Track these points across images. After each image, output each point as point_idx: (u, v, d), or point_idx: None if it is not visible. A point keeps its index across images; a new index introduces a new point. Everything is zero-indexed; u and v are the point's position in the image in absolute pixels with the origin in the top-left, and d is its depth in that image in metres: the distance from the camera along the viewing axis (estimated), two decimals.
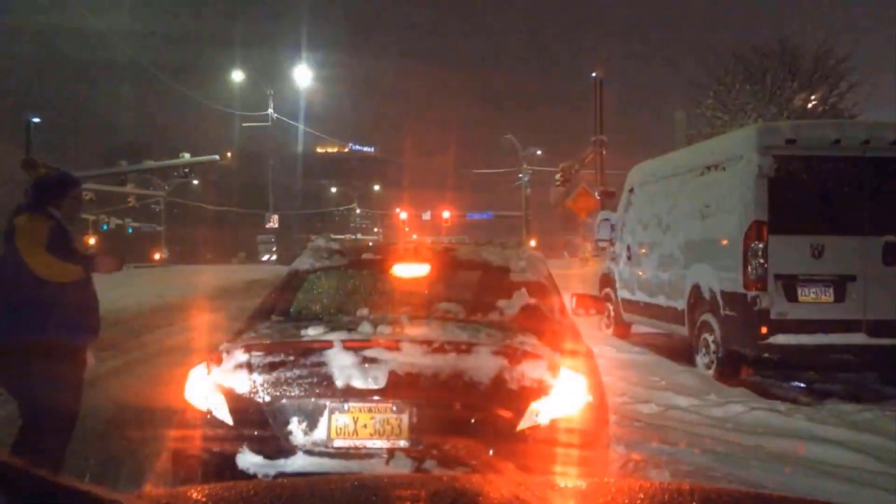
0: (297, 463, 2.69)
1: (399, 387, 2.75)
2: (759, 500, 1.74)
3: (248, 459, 2.71)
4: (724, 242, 7.32)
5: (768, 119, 19.59)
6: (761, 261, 6.76)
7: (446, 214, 44.36)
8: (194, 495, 1.46)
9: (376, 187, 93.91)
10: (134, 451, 4.34)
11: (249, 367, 2.86)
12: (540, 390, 2.78)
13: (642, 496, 1.43)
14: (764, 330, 6.74)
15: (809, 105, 21.50)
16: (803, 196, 6.93)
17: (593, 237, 12.57)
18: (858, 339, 6.76)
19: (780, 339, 6.73)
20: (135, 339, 10.05)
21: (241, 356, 2.90)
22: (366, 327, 3.07)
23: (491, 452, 2.67)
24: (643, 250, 9.77)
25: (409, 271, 3.96)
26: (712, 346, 7.52)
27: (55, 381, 3.53)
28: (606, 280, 11.22)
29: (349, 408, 2.76)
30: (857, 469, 4.39)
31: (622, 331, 10.67)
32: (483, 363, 2.81)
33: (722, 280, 7.32)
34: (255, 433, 2.77)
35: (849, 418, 5.70)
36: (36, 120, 32.57)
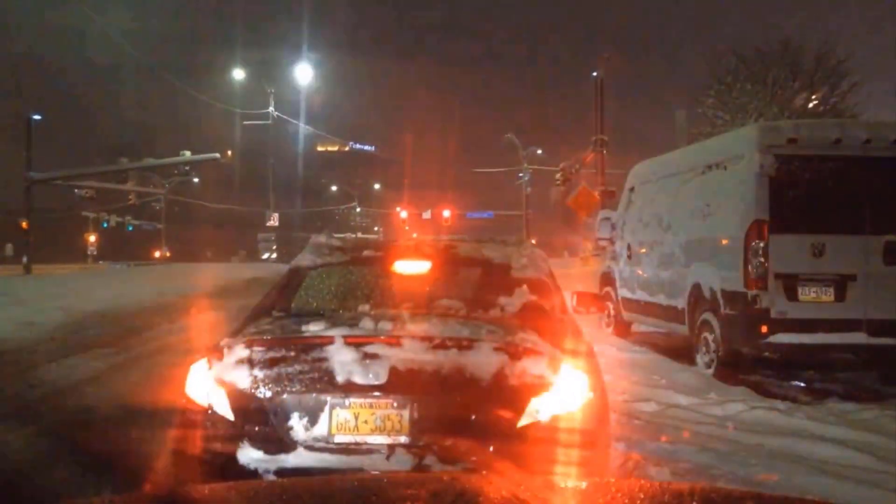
0: (298, 458, 2.69)
1: (400, 383, 2.75)
2: (759, 499, 1.73)
3: (248, 455, 2.71)
4: (725, 241, 7.32)
5: (769, 119, 19.59)
6: (762, 260, 6.76)
7: (447, 213, 44.34)
8: (194, 495, 1.46)
9: (377, 186, 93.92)
10: (134, 449, 4.34)
11: (251, 362, 2.86)
12: (541, 387, 2.78)
13: (642, 496, 1.42)
14: (764, 329, 6.74)
15: (810, 105, 21.53)
16: (804, 195, 6.93)
17: (594, 236, 12.57)
18: (859, 338, 6.76)
19: (781, 338, 6.74)
20: (135, 337, 10.04)
21: (242, 352, 2.90)
22: (367, 323, 3.07)
23: (491, 449, 2.67)
24: (644, 249, 9.77)
25: (411, 268, 3.96)
26: (713, 345, 7.52)
27: None
28: (607, 279, 11.22)
29: (350, 403, 2.76)
30: (857, 468, 4.39)
31: (622, 329, 10.67)
32: (484, 360, 2.81)
33: (722, 279, 7.32)
34: (256, 428, 2.77)
35: (849, 417, 5.71)
36: (36, 117, 32.61)
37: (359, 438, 2.74)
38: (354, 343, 2.85)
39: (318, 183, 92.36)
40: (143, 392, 5.73)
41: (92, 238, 55.27)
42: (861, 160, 6.92)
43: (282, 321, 3.45)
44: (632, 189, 10.69)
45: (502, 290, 3.64)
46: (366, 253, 4.25)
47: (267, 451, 2.71)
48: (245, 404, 2.81)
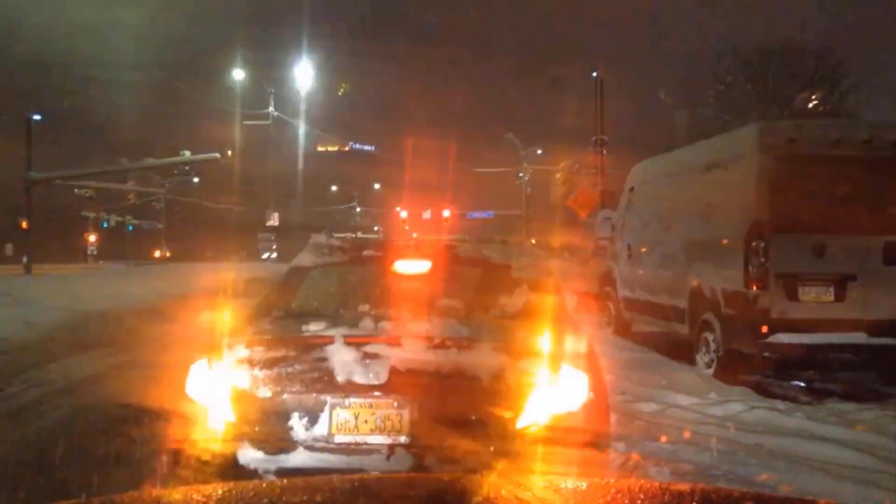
0: (298, 458, 2.69)
1: (400, 383, 2.75)
2: (759, 500, 1.73)
3: (249, 455, 2.71)
4: (725, 241, 7.31)
5: (769, 119, 19.59)
6: (762, 260, 6.75)
7: (446, 213, 44.30)
8: (194, 495, 1.46)
9: (377, 186, 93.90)
10: (135, 449, 4.34)
11: (251, 362, 2.86)
12: (541, 387, 2.78)
13: (642, 496, 1.42)
14: (764, 329, 6.74)
15: (810, 105, 21.55)
16: (804, 195, 6.92)
17: (594, 236, 12.57)
18: (859, 338, 6.76)
19: (781, 338, 6.73)
20: (135, 337, 10.05)
21: (242, 352, 2.90)
22: (367, 323, 3.07)
23: (491, 449, 2.67)
24: (644, 249, 9.77)
25: (411, 268, 3.96)
26: (713, 345, 7.51)
27: None
28: (607, 279, 11.21)
29: (350, 403, 2.76)
30: (856, 468, 4.39)
31: (622, 329, 10.66)
32: (484, 359, 2.81)
33: (723, 279, 7.32)
34: (257, 428, 2.77)
35: (849, 417, 5.70)
36: (36, 117, 32.58)
37: (359, 438, 2.74)
38: (354, 343, 2.85)
39: (318, 183, 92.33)
40: (143, 392, 5.72)
41: (92, 238, 55.24)
42: (861, 160, 6.91)
43: (282, 321, 3.45)
44: (632, 189, 10.68)
45: (502, 290, 3.64)
46: (366, 253, 4.25)
47: (267, 451, 2.71)
48: (245, 404, 2.81)
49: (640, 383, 6.79)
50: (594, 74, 21.35)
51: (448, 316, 3.40)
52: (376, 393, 2.76)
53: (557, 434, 2.75)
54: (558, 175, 26.91)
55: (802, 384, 7.34)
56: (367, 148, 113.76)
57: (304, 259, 4.06)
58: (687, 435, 5.08)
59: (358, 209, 79.14)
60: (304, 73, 37.37)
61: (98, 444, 4.53)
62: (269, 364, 2.85)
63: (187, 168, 33.01)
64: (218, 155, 33.06)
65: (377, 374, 2.75)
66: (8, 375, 6.90)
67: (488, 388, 2.76)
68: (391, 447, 2.70)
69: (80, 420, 5.46)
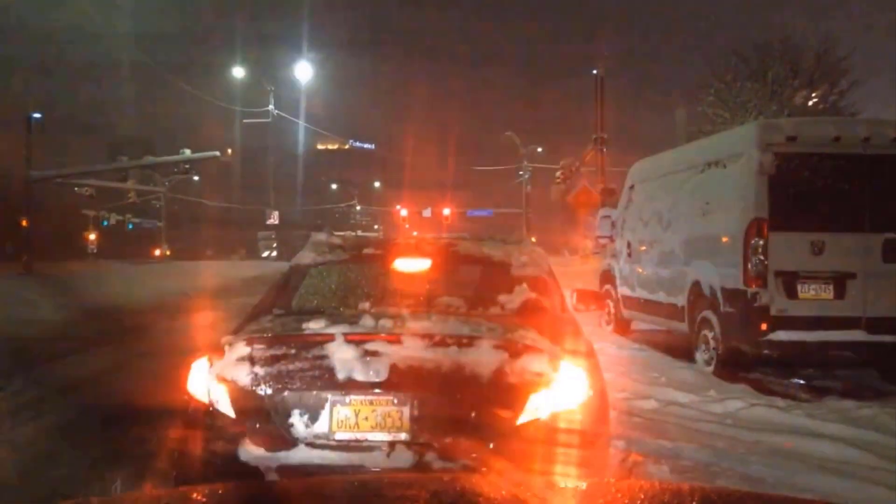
0: (299, 456, 2.70)
1: (400, 380, 2.76)
2: (759, 499, 1.74)
3: (249, 452, 2.72)
4: (725, 239, 7.32)
5: (769, 117, 19.56)
6: (761, 257, 6.76)
7: (447, 211, 44.37)
8: (194, 495, 1.46)
9: (377, 184, 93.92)
10: (135, 447, 4.35)
11: (251, 359, 2.87)
12: (540, 384, 2.79)
13: (643, 496, 1.43)
14: (764, 326, 6.75)
15: (810, 103, 21.51)
16: (804, 193, 6.93)
17: (594, 234, 12.57)
18: (858, 335, 6.77)
19: (780, 335, 6.74)
20: (136, 335, 10.06)
21: (243, 349, 2.91)
22: (367, 321, 3.07)
23: (491, 446, 2.67)
24: (643, 247, 9.78)
25: (411, 266, 3.97)
26: (712, 343, 7.52)
27: None
28: (607, 277, 11.23)
29: (350, 401, 2.77)
30: (856, 465, 4.40)
31: (622, 327, 10.68)
32: (484, 357, 2.81)
33: (722, 277, 7.33)
34: (257, 426, 2.78)
35: (848, 415, 5.71)
36: (37, 116, 32.56)
37: (359, 435, 2.75)
38: (355, 340, 2.86)
39: (318, 181, 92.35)
40: (144, 390, 5.73)
41: (92, 236, 55.25)
42: (860, 158, 6.92)
43: (282, 319, 3.45)
44: (632, 187, 10.69)
45: (502, 288, 3.65)
46: (366, 251, 4.25)
47: (268, 449, 2.72)
48: (246, 402, 2.82)
49: (639, 381, 6.80)
50: (594, 72, 21.31)
51: (448, 313, 3.41)
52: (376, 390, 2.76)
53: (557, 432, 2.76)
54: (558, 173, 26.81)
55: (802, 381, 7.35)
56: (367, 146, 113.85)
57: (305, 257, 4.07)
58: (686, 433, 5.09)
59: (358, 207, 79.14)
60: (304, 72, 37.37)
61: (98, 443, 4.54)
62: (270, 361, 2.86)
63: (187, 166, 32.87)
64: (218, 153, 33.05)
65: (377, 372, 2.76)
66: (8, 374, 6.91)
67: (488, 386, 2.77)
68: (391, 444, 2.71)
69: (81, 419, 5.46)
